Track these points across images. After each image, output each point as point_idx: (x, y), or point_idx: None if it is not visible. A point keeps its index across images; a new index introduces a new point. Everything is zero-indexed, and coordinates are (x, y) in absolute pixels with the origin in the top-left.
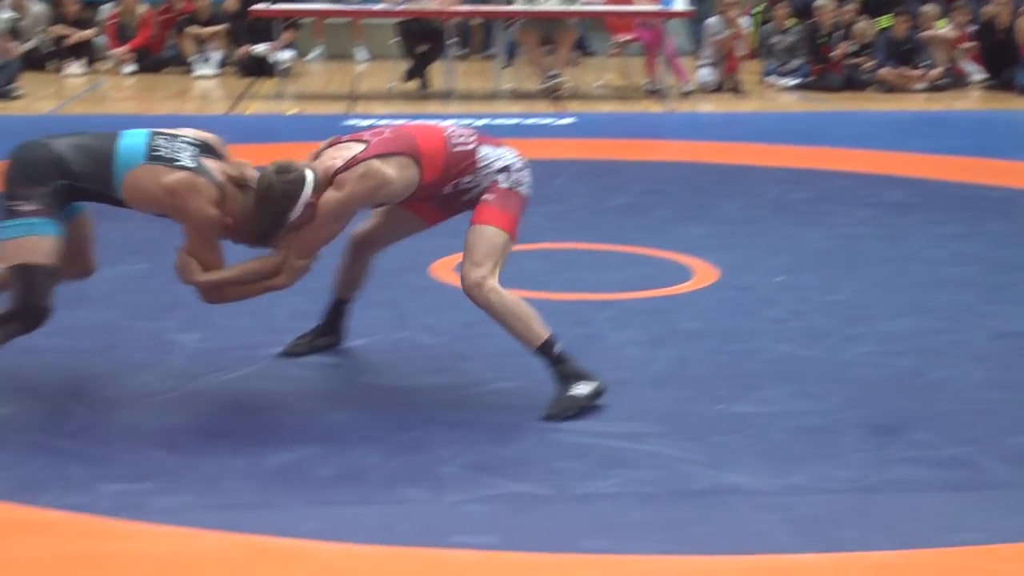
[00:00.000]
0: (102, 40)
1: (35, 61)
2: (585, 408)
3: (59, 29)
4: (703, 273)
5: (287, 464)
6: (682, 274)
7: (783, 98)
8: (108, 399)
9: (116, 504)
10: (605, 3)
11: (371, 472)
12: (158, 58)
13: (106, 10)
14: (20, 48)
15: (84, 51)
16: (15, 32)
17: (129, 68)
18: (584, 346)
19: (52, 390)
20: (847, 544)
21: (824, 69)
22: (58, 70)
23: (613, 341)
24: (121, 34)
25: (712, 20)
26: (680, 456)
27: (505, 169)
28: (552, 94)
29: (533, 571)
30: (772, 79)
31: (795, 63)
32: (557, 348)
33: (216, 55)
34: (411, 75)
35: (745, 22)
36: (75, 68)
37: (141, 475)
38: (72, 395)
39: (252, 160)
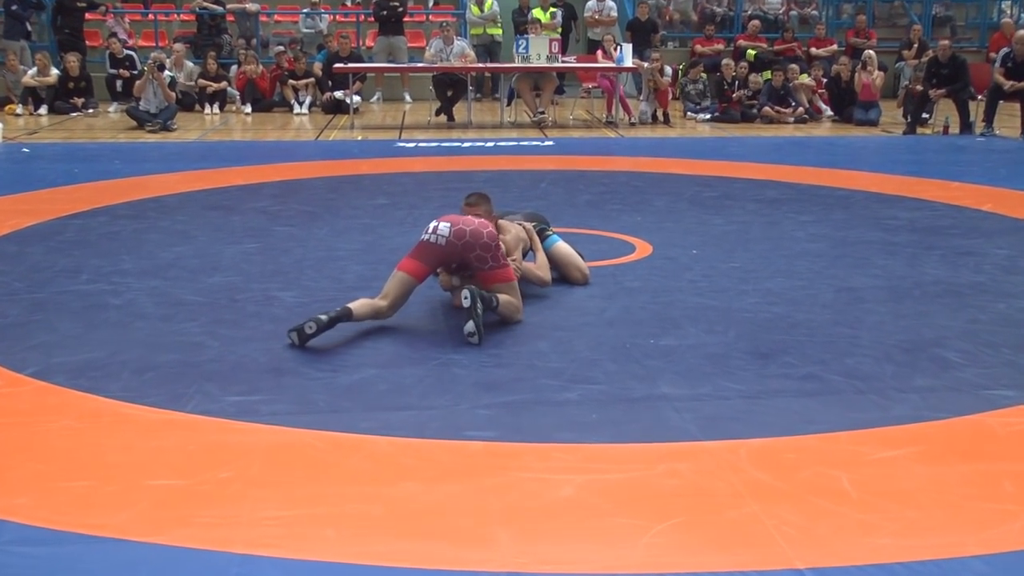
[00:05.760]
0: (232, 90)
1: (186, 104)
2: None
3: (202, 82)
4: (641, 248)
5: (354, 382)
6: (627, 248)
7: (698, 128)
8: (232, 337)
9: (237, 410)
10: (576, 60)
11: (412, 387)
12: (268, 101)
13: (235, 69)
14: (176, 96)
15: (219, 97)
16: (173, 85)
17: (248, 108)
18: (560, 298)
19: (195, 329)
20: (736, 434)
21: (727, 107)
22: (201, 110)
23: (580, 295)
24: (245, 86)
25: (647, 67)
26: (624, 374)
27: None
28: (539, 125)
29: (521, 456)
30: (690, 114)
31: (706, 103)
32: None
33: (308, 99)
34: (441, 112)
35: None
36: (212, 109)
37: (253, 390)
38: (208, 334)
39: (333, 171)
